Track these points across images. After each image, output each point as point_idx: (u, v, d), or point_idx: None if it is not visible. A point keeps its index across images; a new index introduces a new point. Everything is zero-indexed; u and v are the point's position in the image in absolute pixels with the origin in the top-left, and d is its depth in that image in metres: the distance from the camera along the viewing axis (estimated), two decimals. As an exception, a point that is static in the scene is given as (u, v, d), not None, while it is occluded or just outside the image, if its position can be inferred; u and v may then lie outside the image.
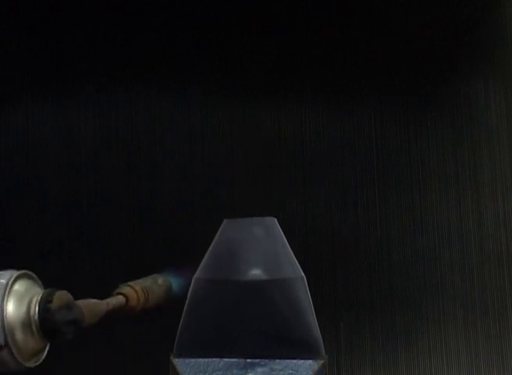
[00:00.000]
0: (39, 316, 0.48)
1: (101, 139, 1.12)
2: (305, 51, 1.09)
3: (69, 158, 1.12)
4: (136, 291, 0.56)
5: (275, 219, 0.68)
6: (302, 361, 0.61)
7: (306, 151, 1.08)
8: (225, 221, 0.67)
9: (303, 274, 0.65)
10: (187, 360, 0.63)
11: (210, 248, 0.66)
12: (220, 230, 0.66)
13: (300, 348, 0.61)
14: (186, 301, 0.65)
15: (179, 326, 0.65)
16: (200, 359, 0.62)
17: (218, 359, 0.62)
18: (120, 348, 1.06)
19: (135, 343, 1.05)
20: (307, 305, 0.64)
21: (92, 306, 0.51)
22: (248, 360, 0.61)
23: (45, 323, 0.48)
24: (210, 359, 0.62)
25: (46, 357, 0.52)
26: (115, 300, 0.54)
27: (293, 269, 0.65)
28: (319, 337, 0.62)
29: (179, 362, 0.63)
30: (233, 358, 0.62)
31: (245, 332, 0.62)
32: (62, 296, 0.50)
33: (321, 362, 0.61)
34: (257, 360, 0.61)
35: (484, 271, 1.03)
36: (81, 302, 0.50)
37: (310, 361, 0.61)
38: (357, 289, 1.05)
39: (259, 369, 0.61)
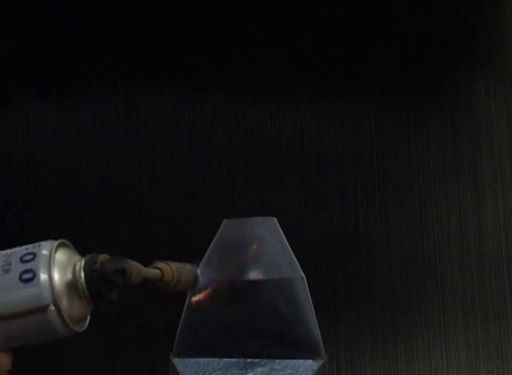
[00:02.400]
0: (85, 277, 0.50)
1: (101, 139, 1.12)
2: (305, 51, 1.09)
3: (69, 158, 1.12)
4: (172, 268, 0.56)
5: (275, 219, 0.68)
6: (302, 361, 0.61)
7: (306, 151, 1.08)
8: (225, 221, 0.67)
9: (303, 274, 0.65)
10: (187, 360, 0.63)
11: (210, 248, 0.66)
12: (220, 230, 0.67)
13: (299, 348, 0.62)
14: (186, 302, 0.65)
15: (179, 326, 0.65)
16: (200, 359, 0.62)
17: (218, 359, 0.62)
18: (120, 347, 1.06)
19: (135, 343, 1.05)
20: (307, 305, 0.64)
21: (136, 265, 0.52)
22: (248, 360, 0.61)
23: (91, 282, 0.50)
24: (210, 359, 0.62)
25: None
26: (153, 271, 0.55)
27: (293, 269, 0.65)
28: (319, 337, 0.63)
29: (179, 362, 0.63)
30: (233, 358, 0.62)
31: (245, 332, 0.62)
32: (105, 257, 0.52)
33: (321, 361, 0.61)
34: (257, 360, 0.61)
35: (484, 271, 1.03)
36: (126, 259, 0.52)
37: (310, 361, 0.61)
38: (357, 289, 1.05)
39: (259, 369, 0.61)
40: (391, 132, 1.08)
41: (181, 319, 0.65)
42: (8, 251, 0.51)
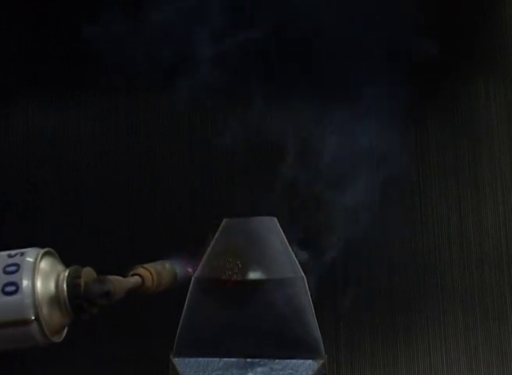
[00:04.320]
0: (68, 292, 0.49)
1: (101, 139, 1.12)
2: (305, 50, 1.09)
3: (69, 158, 1.12)
4: (151, 272, 0.57)
5: (276, 219, 0.68)
6: (302, 361, 0.61)
7: (306, 151, 1.08)
8: (225, 221, 0.67)
9: (303, 274, 0.65)
10: (187, 360, 0.63)
11: (210, 248, 0.66)
12: (220, 230, 0.67)
13: (299, 348, 0.62)
14: (186, 301, 0.65)
15: (179, 326, 0.65)
16: (200, 359, 0.62)
17: (218, 359, 0.62)
18: (120, 347, 1.06)
19: (135, 343, 1.05)
20: (307, 305, 0.64)
21: (118, 282, 0.52)
22: (248, 360, 0.61)
23: (74, 298, 0.49)
24: (210, 359, 0.62)
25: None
26: (134, 279, 0.55)
27: (293, 269, 0.65)
28: (319, 337, 0.63)
29: (179, 362, 0.63)
30: (233, 358, 0.62)
31: (245, 332, 0.62)
32: (88, 272, 0.51)
33: (321, 361, 0.61)
34: (257, 360, 0.61)
35: (484, 271, 1.03)
36: (109, 277, 0.52)
37: (309, 361, 0.61)
38: (357, 289, 1.05)
39: (259, 369, 0.61)
40: (391, 132, 1.08)
41: (181, 319, 0.65)
42: None
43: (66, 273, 0.50)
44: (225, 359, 0.62)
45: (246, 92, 1.10)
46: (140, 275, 0.56)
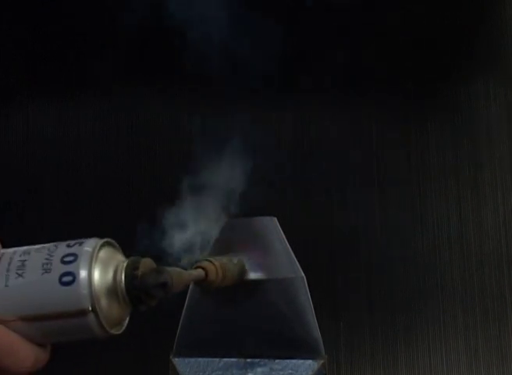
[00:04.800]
0: (126, 283, 0.48)
1: (101, 139, 1.12)
2: (305, 50, 1.09)
3: (69, 158, 1.12)
4: (216, 266, 0.55)
5: (275, 219, 0.68)
6: (302, 361, 0.61)
7: (306, 151, 1.08)
8: (225, 221, 0.67)
9: (303, 274, 0.65)
10: (187, 360, 0.63)
11: (210, 248, 0.66)
12: (220, 229, 0.67)
13: (299, 348, 0.61)
14: (186, 302, 0.65)
15: (179, 326, 0.65)
16: (200, 359, 0.62)
17: (218, 359, 0.62)
18: (120, 347, 1.06)
19: (135, 343, 1.05)
20: (307, 305, 0.64)
21: (178, 274, 0.51)
22: (248, 360, 0.61)
23: (132, 289, 0.48)
24: (210, 359, 0.62)
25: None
26: (196, 272, 0.54)
27: (293, 269, 0.65)
28: (319, 337, 0.62)
29: (179, 362, 0.63)
30: (233, 358, 0.62)
31: (245, 332, 0.62)
32: (147, 263, 0.50)
33: (321, 361, 0.61)
34: (257, 360, 0.61)
35: (484, 271, 1.03)
36: (168, 268, 0.50)
37: (309, 361, 0.61)
38: (357, 289, 1.05)
39: (259, 369, 0.61)
40: (391, 132, 1.08)
41: (181, 319, 0.65)
42: (50, 246, 0.49)
43: (125, 264, 0.49)
44: (225, 359, 0.62)
45: (245, 92, 1.10)
46: (203, 268, 0.55)
